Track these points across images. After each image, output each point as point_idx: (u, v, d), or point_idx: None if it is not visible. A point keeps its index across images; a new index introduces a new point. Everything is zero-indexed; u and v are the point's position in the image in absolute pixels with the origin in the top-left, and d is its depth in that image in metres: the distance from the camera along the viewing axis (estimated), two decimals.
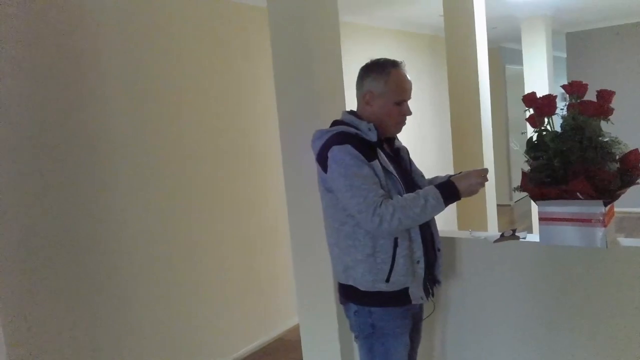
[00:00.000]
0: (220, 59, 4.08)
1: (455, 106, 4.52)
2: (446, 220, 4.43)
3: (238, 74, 4.23)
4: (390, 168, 1.97)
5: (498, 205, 5.09)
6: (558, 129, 2.07)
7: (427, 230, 2.10)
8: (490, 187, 4.63)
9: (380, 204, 1.84)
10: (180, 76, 3.75)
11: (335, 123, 2.10)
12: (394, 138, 2.18)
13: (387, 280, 1.94)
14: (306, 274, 2.72)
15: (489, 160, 4.59)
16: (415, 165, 2.22)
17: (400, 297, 1.98)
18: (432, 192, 1.89)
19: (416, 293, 2.00)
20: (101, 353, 3.16)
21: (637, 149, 1.98)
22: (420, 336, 2.26)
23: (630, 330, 2.04)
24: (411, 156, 2.26)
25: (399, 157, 2.17)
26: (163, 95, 3.63)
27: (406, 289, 1.98)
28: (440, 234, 2.38)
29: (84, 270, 3.09)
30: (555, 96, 2.06)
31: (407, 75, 2.06)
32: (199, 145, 3.87)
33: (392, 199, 1.89)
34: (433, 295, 2.18)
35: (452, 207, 3.80)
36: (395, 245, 1.94)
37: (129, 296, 3.34)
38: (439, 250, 2.15)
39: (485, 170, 1.98)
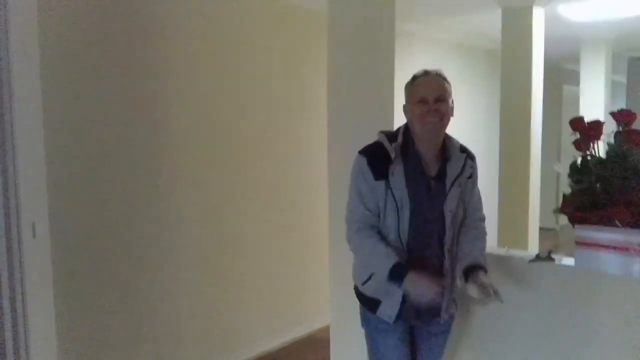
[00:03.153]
0: (281, 60, 4.22)
1: (506, 124, 4.49)
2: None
3: (297, 76, 4.36)
4: (400, 193, 2.00)
5: (543, 229, 5.01)
6: (603, 155, 2.08)
7: (431, 263, 2.07)
8: (534, 209, 4.57)
9: (357, 230, 2.06)
10: (240, 78, 3.90)
11: (390, 131, 2.20)
12: (447, 158, 2.09)
13: (363, 284, 2.16)
14: (341, 275, 2.78)
15: (535, 181, 4.53)
16: (470, 196, 2.16)
17: (370, 304, 2.14)
18: (385, 266, 1.98)
19: (386, 310, 2.08)
20: (143, 343, 3.33)
21: None
22: (434, 351, 2.24)
23: None
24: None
25: (441, 181, 2.07)
26: (222, 96, 3.78)
27: (378, 301, 2.10)
28: None
29: (133, 268, 3.27)
30: (603, 123, 2.07)
31: (438, 79, 2.05)
32: (253, 148, 4.02)
33: (379, 219, 2.05)
34: (428, 324, 2.16)
35: (494, 224, 3.80)
36: None
37: (173, 291, 3.51)
38: (446, 288, 2.08)
39: (439, 289, 1.96)
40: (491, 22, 5.15)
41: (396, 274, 1.96)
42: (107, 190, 3.12)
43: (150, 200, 3.35)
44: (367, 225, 2.06)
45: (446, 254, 2.08)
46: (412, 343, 2.22)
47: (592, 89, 6.15)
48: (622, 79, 8.17)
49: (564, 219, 7.89)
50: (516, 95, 4.40)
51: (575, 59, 6.73)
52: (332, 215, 2.86)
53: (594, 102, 6.08)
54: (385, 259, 1.98)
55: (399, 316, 2.07)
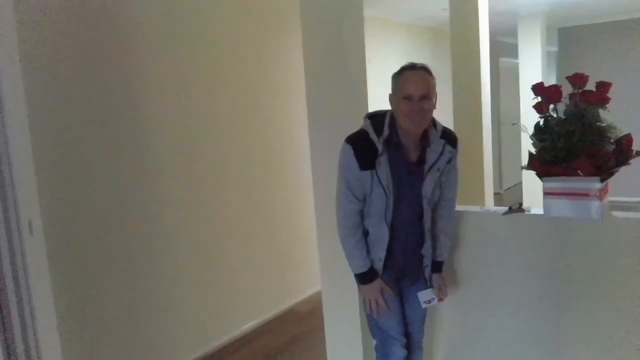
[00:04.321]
0: (263, 52, 4.37)
1: (459, 98, 4.75)
2: None
3: (273, 65, 4.52)
4: (385, 180, 2.19)
5: None
6: (561, 115, 2.37)
7: (413, 239, 2.37)
8: (488, 174, 4.92)
9: (342, 218, 2.30)
10: (224, 72, 4.02)
11: (376, 114, 2.30)
12: (427, 145, 2.24)
13: None
14: (329, 244, 2.96)
15: (487, 146, 4.88)
16: (446, 178, 2.34)
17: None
18: (355, 268, 2.36)
19: (376, 255, 2.35)
20: (139, 328, 3.44)
21: (629, 134, 2.30)
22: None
23: (621, 290, 2.34)
24: None
25: (420, 167, 2.26)
26: (208, 90, 3.90)
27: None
28: None
29: (126, 258, 3.36)
30: (561, 86, 2.35)
31: (425, 76, 2.16)
32: (234, 132, 4.14)
33: (366, 204, 2.27)
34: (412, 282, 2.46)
35: None
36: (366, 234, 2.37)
37: (166, 281, 3.61)
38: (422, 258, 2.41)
39: (376, 305, 2.37)
40: (435, 2, 5.43)
41: (361, 278, 2.36)
42: (95, 188, 3.17)
43: (140, 194, 3.43)
44: (352, 212, 2.28)
45: (426, 232, 2.35)
46: (401, 295, 2.48)
47: (531, 60, 6.56)
48: (553, 49, 8.71)
49: (506, 184, 8.28)
50: (468, 71, 4.68)
51: (510, 32, 7.12)
52: (316, 194, 3.01)
53: (533, 72, 6.49)
54: (359, 262, 2.33)
55: (385, 266, 2.33)
